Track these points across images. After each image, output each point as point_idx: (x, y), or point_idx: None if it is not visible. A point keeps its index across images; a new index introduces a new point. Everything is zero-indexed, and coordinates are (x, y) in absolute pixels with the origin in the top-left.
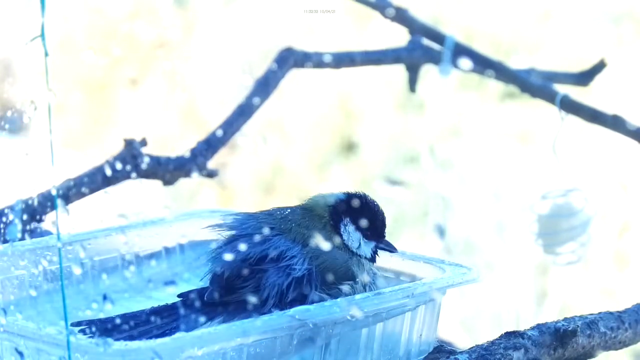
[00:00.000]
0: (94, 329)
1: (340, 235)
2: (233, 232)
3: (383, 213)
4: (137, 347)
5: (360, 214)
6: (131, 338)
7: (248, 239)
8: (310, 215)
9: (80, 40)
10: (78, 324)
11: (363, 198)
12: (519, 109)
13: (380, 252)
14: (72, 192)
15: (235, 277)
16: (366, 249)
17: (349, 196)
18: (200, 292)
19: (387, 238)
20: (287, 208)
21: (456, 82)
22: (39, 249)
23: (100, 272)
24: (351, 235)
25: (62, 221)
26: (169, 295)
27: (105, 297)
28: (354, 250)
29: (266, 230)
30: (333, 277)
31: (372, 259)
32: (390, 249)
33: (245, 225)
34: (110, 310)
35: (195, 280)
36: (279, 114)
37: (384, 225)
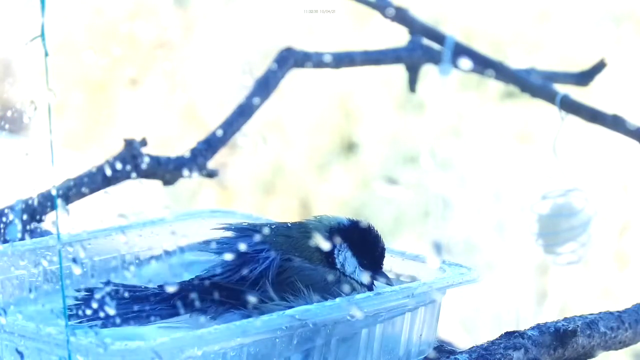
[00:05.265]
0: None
1: (333, 258)
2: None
3: (384, 245)
4: (137, 347)
5: (361, 241)
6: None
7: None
8: (307, 233)
9: (80, 40)
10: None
11: (366, 226)
12: (519, 109)
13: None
14: (72, 192)
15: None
16: (363, 276)
17: (353, 222)
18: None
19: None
20: (287, 223)
21: (456, 82)
22: (39, 249)
23: (100, 272)
24: (347, 260)
25: (62, 221)
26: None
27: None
28: (348, 274)
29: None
30: (301, 285)
31: (370, 287)
32: (388, 281)
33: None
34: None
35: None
36: (279, 114)
37: (382, 257)
